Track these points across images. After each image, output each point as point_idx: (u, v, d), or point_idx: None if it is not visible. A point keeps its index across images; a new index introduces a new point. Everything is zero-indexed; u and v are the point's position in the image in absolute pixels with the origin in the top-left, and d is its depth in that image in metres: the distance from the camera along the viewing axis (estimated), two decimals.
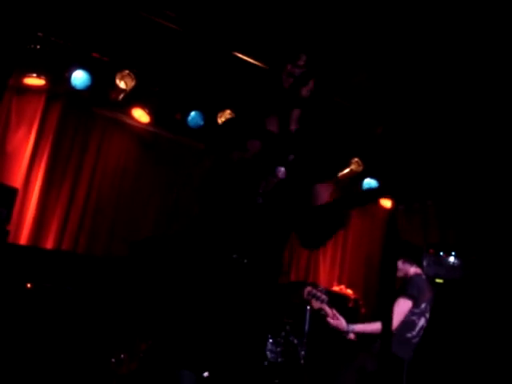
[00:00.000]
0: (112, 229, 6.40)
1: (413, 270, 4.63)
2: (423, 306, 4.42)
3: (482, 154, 6.64)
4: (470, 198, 7.38)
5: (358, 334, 4.42)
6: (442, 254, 6.06)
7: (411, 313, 4.38)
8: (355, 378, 4.26)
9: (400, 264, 4.63)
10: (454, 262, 6.05)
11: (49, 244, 5.96)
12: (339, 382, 4.28)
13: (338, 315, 4.28)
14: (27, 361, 4.04)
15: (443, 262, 6.04)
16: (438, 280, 5.94)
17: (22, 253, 4.60)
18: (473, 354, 5.67)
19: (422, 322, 4.42)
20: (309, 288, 4.36)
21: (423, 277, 4.60)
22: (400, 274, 4.63)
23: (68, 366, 4.15)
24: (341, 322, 4.26)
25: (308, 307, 5.63)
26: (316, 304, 4.33)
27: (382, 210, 7.85)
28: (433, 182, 7.58)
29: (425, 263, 5.97)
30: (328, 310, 4.30)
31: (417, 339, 4.44)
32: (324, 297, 4.30)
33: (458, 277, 5.99)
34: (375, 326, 4.32)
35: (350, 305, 6.74)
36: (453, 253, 6.08)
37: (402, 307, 4.38)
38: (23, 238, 5.76)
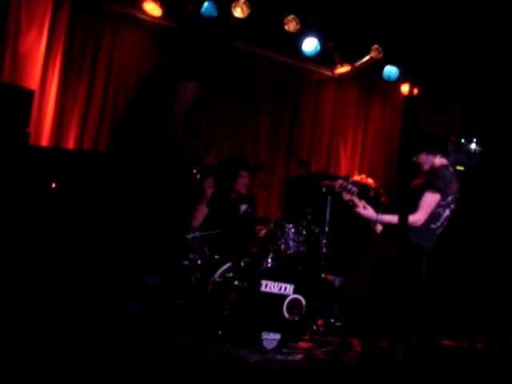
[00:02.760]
0: None
1: (438, 160, 4.54)
2: (450, 198, 4.39)
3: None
4: (492, 83, 7.22)
5: (384, 225, 4.45)
6: (463, 140, 6.00)
7: (438, 205, 4.38)
8: (375, 262, 4.33)
9: (424, 157, 4.54)
10: (475, 149, 5.99)
11: (70, 144, 6.01)
12: (359, 268, 4.36)
13: (367, 205, 4.32)
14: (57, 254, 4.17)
15: (464, 148, 5.98)
16: (458, 167, 5.91)
17: (45, 154, 4.62)
18: (492, 240, 5.74)
19: (446, 212, 4.42)
20: (340, 181, 4.38)
21: (450, 168, 4.52)
22: (426, 166, 4.54)
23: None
24: (370, 212, 4.29)
25: (329, 197, 5.71)
26: (347, 196, 4.36)
27: (402, 98, 7.73)
28: (454, 64, 7.40)
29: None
30: (357, 201, 4.33)
31: (441, 229, 4.46)
32: (354, 189, 4.33)
33: (479, 163, 5.95)
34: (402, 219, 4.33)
35: (371, 194, 6.79)
36: (474, 139, 6.01)
37: (429, 201, 4.34)
38: (44, 140, 5.81)
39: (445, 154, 4.57)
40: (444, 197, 4.36)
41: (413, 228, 4.33)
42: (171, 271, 3.16)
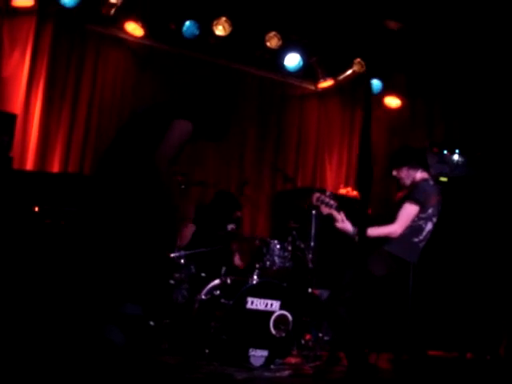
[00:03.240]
0: None
1: (419, 175, 4.60)
2: (430, 210, 4.44)
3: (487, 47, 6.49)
4: (475, 93, 7.28)
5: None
6: (445, 152, 6.06)
7: (418, 218, 4.41)
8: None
9: (405, 171, 4.61)
10: (458, 160, 6.05)
11: (55, 167, 6.02)
12: (346, 286, 4.38)
13: (345, 219, 4.34)
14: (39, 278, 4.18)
15: (447, 159, 6.04)
16: (442, 178, 5.97)
17: (28, 178, 4.65)
18: (477, 250, 5.78)
19: (429, 226, 4.46)
20: (317, 194, 4.40)
21: (430, 182, 4.58)
22: (407, 181, 4.61)
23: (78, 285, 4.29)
24: (347, 226, 4.31)
25: (314, 212, 5.74)
26: (325, 210, 4.38)
27: (386, 111, 7.79)
28: (439, 75, 7.47)
29: (428, 162, 5.99)
30: (336, 214, 4.35)
31: (423, 243, 4.50)
32: (332, 202, 4.36)
33: (462, 174, 6.00)
34: (382, 230, 4.38)
35: (357, 206, 6.85)
36: (457, 150, 6.07)
37: (407, 212, 4.39)
38: (29, 164, 5.82)
39: (425, 168, 4.64)
40: (424, 209, 4.40)
41: (395, 241, 4.38)
42: (152, 301, 3.22)
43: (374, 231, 4.36)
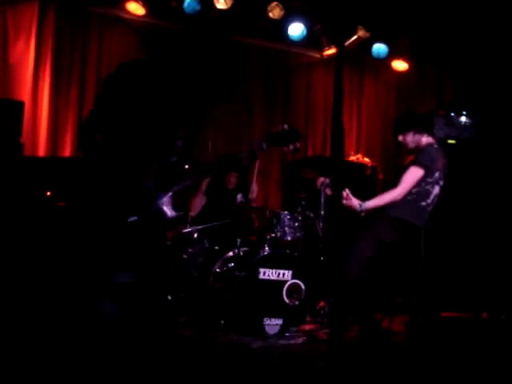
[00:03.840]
0: None
1: (424, 139, 4.62)
2: (437, 174, 4.46)
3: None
4: (482, 54, 7.19)
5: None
6: (452, 114, 6.02)
7: (425, 182, 4.44)
8: (373, 249, 4.40)
9: (410, 136, 4.63)
10: (465, 122, 6.01)
11: (67, 152, 6.14)
12: (357, 253, 4.43)
13: (351, 196, 4.38)
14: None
15: (454, 122, 6.00)
16: (449, 141, 5.95)
17: (38, 164, 4.75)
18: (488, 210, 5.77)
19: (436, 190, 4.49)
20: (321, 179, 4.48)
21: (435, 146, 4.59)
22: (412, 145, 4.63)
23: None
24: (354, 202, 4.34)
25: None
26: (329, 191, 4.45)
27: (394, 74, 7.74)
28: (446, 37, 7.39)
29: (436, 125, 5.98)
30: (342, 193, 4.40)
31: (431, 207, 4.53)
32: None
33: (470, 136, 5.97)
34: (387, 197, 4.40)
35: (368, 172, 6.86)
36: (464, 112, 6.03)
37: (412, 175, 4.41)
38: (41, 149, 5.94)
39: (431, 133, 4.66)
40: (430, 174, 4.43)
41: (403, 206, 4.42)
42: (146, 266, 3.26)
43: (378, 201, 4.40)
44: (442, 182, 4.52)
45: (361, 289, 4.34)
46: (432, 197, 4.49)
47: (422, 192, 4.46)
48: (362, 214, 4.35)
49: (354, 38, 7.18)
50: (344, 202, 4.33)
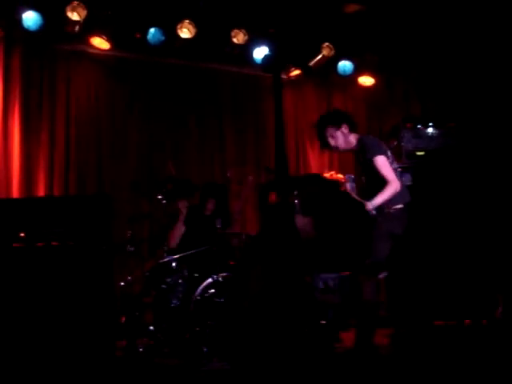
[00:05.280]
0: (99, 162, 6.57)
1: (352, 135, 4.65)
2: (389, 152, 4.54)
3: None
4: (447, 67, 7.33)
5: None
6: (419, 126, 6.12)
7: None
8: (390, 244, 4.42)
9: (341, 134, 4.62)
10: (432, 133, 6.12)
11: (40, 191, 6.13)
12: (377, 253, 4.42)
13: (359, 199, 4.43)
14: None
15: (422, 134, 6.11)
16: (418, 153, 6.05)
17: (11, 205, 4.73)
18: (463, 219, 5.83)
19: (394, 165, 4.55)
20: (348, 184, 4.58)
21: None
22: (342, 146, 4.65)
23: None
24: (368, 206, 4.37)
25: (296, 200, 5.83)
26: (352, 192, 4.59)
27: (362, 90, 7.85)
28: (411, 52, 7.53)
29: (404, 138, 6.08)
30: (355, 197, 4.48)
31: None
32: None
33: (437, 146, 6.07)
34: (388, 191, 4.38)
35: (342, 188, 6.92)
36: (430, 123, 6.13)
37: (382, 165, 4.39)
38: (15, 190, 5.93)
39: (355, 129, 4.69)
40: (386, 154, 4.48)
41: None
42: None
43: (383, 196, 4.35)
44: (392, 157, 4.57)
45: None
46: (397, 172, 4.55)
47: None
48: (374, 213, 4.35)
49: (319, 57, 7.28)
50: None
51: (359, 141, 4.58)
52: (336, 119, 4.64)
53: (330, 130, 4.60)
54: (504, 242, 5.80)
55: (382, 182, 4.37)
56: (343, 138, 4.60)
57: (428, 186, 5.88)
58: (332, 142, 4.62)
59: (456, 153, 6.06)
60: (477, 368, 3.96)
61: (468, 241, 5.82)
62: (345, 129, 4.59)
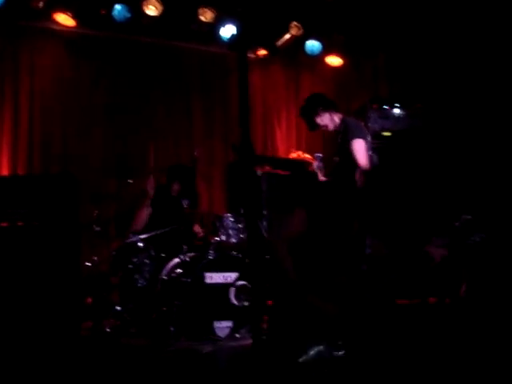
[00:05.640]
0: (64, 140, 6.47)
1: (337, 114, 4.75)
2: (369, 138, 4.62)
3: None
4: (415, 47, 7.36)
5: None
6: (386, 107, 6.17)
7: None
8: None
9: (328, 114, 4.71)
10: (399, 113, 6.17)
11: (4, 170, 6.02)
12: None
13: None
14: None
15: (388, 114, 6.16)
16: (385, 133, 6.09)
17: None
18: (427, 199, 5.92)
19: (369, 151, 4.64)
20: (316, 162, 4.64)
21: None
22: (331, 126, 4.73)
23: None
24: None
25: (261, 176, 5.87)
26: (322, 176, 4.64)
27: (330, 70, 7.85)
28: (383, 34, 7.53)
29: (370, 118, 6.12)
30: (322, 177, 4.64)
31: None
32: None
33: (404, 127, 6.13)
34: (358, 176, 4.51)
35: (310, 168, 6.96)
36: (397, 104, 6.18)
37: (360, 147, 4.49)
38: None
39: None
40: (365, 138, 4.57)
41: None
42: None
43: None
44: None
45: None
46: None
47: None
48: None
49: (287, 36, 7.25)
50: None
51: (342, 121, 4.69)
52: (323, 101, 4.79)
53: (319, 111, 4.72)
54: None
55: (354, 165, 4.44)
56: (329, 117, 4.72)
57: (394, 166, 5.94)
58: (321, 122, 4.73)
59: (422, 134, 6.12)
60: (441, 347, 4.04)
61: (433, 220, 5.91)
62: (331, 109, 4.73)
